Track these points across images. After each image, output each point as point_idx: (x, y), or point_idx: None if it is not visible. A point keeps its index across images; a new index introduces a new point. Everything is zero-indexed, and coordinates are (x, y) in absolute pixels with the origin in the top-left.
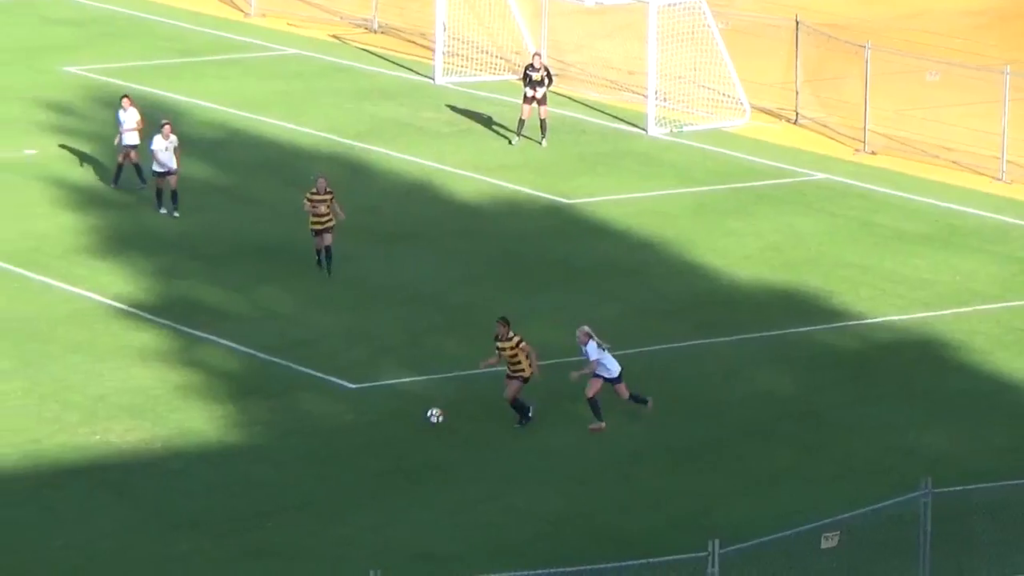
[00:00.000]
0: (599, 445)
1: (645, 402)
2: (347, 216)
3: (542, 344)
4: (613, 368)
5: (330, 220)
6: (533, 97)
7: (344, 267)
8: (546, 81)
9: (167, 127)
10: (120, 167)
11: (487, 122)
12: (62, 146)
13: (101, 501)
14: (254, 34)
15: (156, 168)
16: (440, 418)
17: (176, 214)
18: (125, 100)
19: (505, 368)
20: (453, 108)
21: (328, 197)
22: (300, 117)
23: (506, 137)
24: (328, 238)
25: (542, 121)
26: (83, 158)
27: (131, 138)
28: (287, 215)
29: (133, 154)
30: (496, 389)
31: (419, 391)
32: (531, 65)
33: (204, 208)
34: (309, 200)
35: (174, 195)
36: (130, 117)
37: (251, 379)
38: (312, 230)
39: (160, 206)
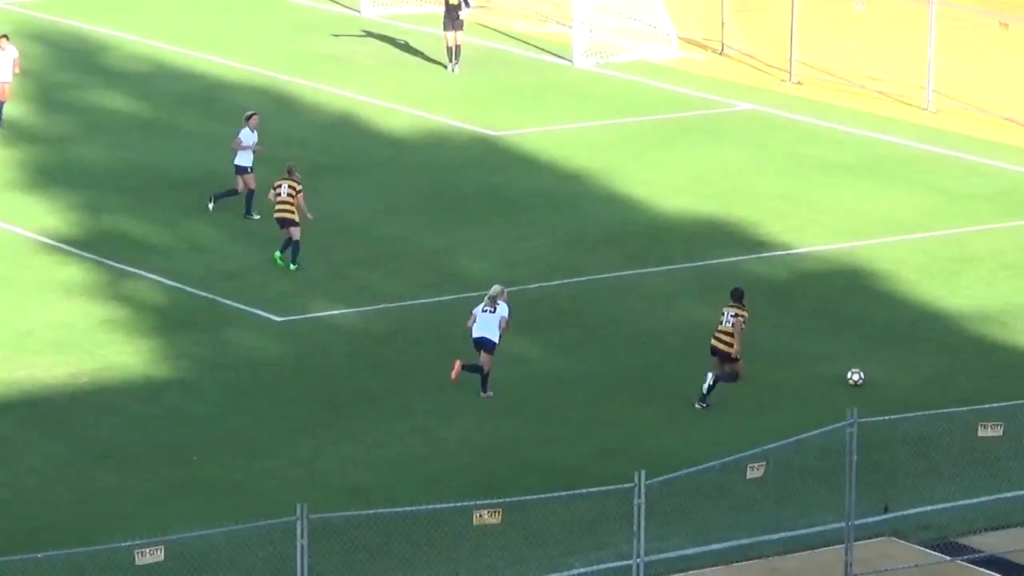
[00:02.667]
0: (526, 377)
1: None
2: (271, 150)
3: (470, 276)
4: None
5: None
6: (452, 23)
7: None
8: (463, 6)
9: (254, 119)
10: None
11: (413, 54)
12: None
13: (27, 436)
14: None
15: (238, 163)
16: (859, 378)
17: (256, 215)
18: (3, 40)
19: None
20: (379, 40)
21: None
22: (226, 50)
23: (432, 69)
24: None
25: (456, 47)
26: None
27: (5, 74)
28: (212, 148)
29: (7, 89)
30: (423, 320)
31: (346, 323)
32: None
33: (129, 142)
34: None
35: (252, 194)
36: (7, 56)
37: (177, 313)
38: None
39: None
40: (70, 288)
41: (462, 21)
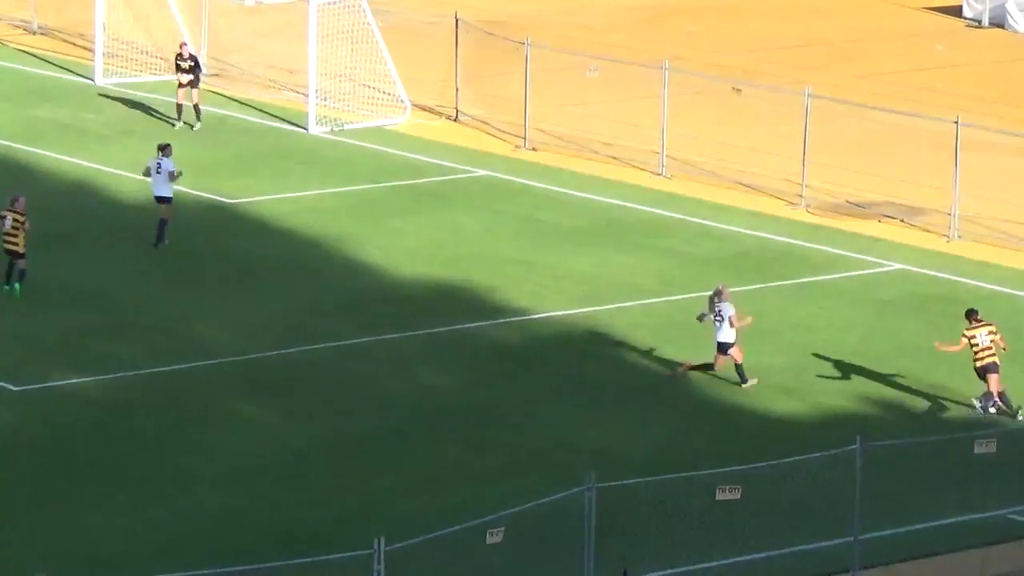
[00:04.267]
0: (264, 443)
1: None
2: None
3: (207, 343)
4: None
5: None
6: (184, 83)
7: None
8: (195, 68)
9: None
10: None
11: (148, 122)
12: None
13: None
14: None
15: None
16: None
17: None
18: None
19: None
20: (114, 109)
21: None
22: None
23: (166, 137)
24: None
25: (195, 105)
26: None
27: None
28: None
29: None
30: (160, 388)
31: (84, 392)
32: (180, 55)
33: None
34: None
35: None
36: None
37: None
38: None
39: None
40: None
41: (196, 80)
